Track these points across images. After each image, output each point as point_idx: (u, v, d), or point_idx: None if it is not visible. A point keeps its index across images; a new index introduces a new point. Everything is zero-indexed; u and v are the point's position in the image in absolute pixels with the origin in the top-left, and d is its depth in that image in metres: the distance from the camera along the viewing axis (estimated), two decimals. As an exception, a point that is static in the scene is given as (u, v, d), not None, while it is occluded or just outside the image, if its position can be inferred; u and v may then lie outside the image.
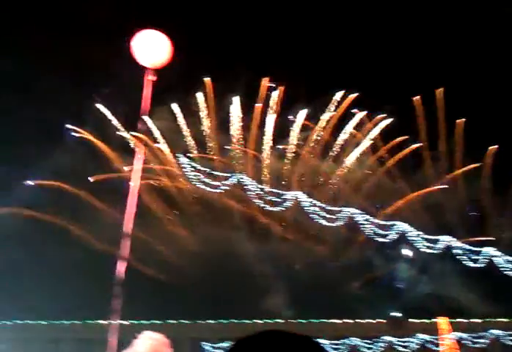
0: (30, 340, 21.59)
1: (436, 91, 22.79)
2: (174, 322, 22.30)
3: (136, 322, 21.08)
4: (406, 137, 22.97)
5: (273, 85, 22.78)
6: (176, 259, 22.12)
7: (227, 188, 21.64)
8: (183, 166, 21.59)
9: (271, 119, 22.58)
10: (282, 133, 22.86)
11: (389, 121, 22.99)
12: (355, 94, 22.85)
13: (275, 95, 22.57)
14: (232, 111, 22.60)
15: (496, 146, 22.94)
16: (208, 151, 22.29)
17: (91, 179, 20.82)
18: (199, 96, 22.65)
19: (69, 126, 21.69)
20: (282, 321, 22.27)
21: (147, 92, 11.95)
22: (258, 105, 22.59)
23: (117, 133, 21.50)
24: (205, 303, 22.02)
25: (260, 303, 22.00)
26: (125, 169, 19.95)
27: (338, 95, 23.08)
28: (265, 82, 22.74)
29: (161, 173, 22.22)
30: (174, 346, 6.68)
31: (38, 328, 22.04)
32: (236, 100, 22.51)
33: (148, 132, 20.75)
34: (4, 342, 21.35)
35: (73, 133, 21.68)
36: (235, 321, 22.52)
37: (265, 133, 22.48)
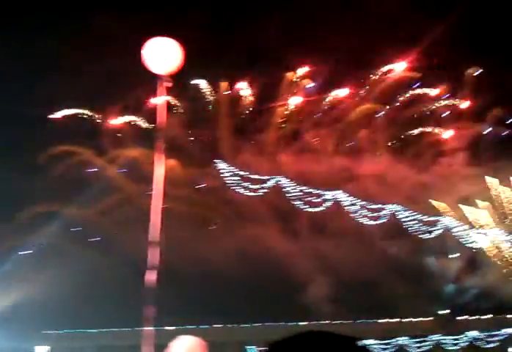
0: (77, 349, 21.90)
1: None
2: (219, 326, 22.27)
3: (176, 327, 21.09)
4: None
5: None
6: (214, 260, 22.02)
7: (266, 190, 21.30)
8: (221, 171, 21.30)
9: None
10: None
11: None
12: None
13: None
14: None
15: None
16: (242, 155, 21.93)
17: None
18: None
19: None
20: (327, 322, 22.05)
21: (162, 99, 11.49)
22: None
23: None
24: (246, 305, 21.93)
25: (303, 305, 21.82)
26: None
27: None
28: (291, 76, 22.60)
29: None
30: (216, 350, 6.53)
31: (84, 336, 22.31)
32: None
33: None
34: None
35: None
36: (278, 323, 22.38)
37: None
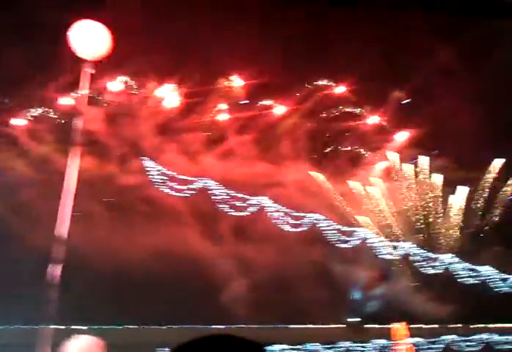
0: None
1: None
2: (131, 326, 21.78)
3: (83, 327, 20.40)
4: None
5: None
6: (131, 260, 21.55)
7: (193, 192, 21.17)
8: (147, 169, 20.93)
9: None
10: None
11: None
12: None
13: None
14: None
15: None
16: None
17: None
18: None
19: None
20: (243, 326, 22.15)
21: (83, 85, 11.10)
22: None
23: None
24: (162, 307, 21.63)
25: (220, 308, 21.83)
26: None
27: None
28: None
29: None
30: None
31: None
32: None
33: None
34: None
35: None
36: (193, 326, 22.22)
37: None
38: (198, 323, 21.92)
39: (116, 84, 22.52)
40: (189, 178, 21.28)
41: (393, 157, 24.29)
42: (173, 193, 21.33)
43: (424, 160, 24.25)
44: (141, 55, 20.89)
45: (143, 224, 22.43)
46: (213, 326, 21.84)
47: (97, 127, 21.29)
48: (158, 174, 21.17)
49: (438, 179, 24.12)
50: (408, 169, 24.38)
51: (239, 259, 22.38)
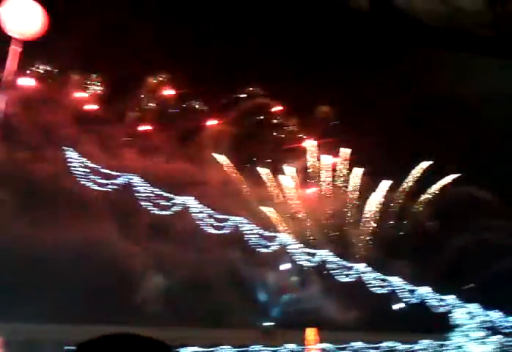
0: None
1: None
2: (40, 324, 20.71)
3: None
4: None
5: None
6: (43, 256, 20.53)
7: (116, 187, 20.43)
8: (69, 160, 19.94)
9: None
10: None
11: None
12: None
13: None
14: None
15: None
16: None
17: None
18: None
19: None
20: (155, 327, 21.68)
21: (11, 64, 10.58)
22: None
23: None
24: (74, 304, 20.77)
25: (135, 308, 21.31)
26: None
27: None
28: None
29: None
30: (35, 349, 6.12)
31: None
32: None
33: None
34: None
35: None
36: (106, 325, 21.47)
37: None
38: (110, 322, 21.21)
39: (37, 69, 21.35)
40: (113, 173, 20.50)
41: (311, 159, 24.81)
42: (95, 186, 20.47)
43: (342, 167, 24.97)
44: (68, 42, 19.88)
45: (58, 217, 21.39)
46: (126, 326, 21.23)
47: (14, 112, 20.05)
48: (80, 167, 20.22)
49: (356, 181, 24.88)
50: (326, 174, 24.99)
51: (157, 260, 21.93)
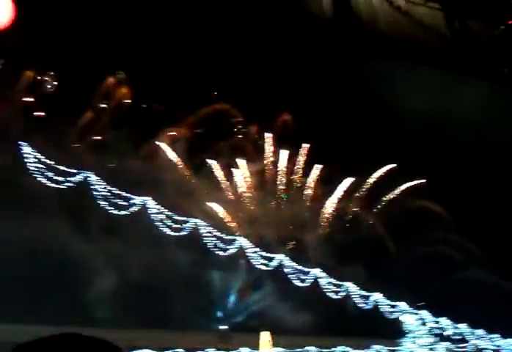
0: None
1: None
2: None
3: None
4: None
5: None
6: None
7: (72, 184, 19.76)
8: (25, 155, 19.16)
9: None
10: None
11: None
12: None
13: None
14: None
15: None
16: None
17: None
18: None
19: None
20: (106, 328, 21.16)
21: None
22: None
23: None
24: (18, 304, 20.02)
25: (85, 308, 20.72)
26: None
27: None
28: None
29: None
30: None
31: None
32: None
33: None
34: None
35: None
36: (54, 326, 20.75)
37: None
38: (57, 323, 20.52)
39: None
40: (70, 170, 19.84)
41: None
42: (48, 183, 19.75)
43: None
44: (24, 36, 19.13)
45: (7, 213, 20.57)
46: (74, 327, 20.54)
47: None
48: (34, 162, 19.47)
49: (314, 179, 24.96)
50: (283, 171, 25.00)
51: (111, 260, 21.39)
